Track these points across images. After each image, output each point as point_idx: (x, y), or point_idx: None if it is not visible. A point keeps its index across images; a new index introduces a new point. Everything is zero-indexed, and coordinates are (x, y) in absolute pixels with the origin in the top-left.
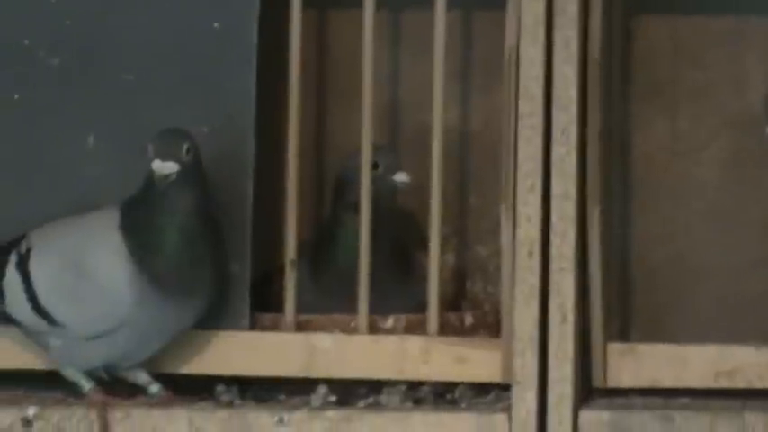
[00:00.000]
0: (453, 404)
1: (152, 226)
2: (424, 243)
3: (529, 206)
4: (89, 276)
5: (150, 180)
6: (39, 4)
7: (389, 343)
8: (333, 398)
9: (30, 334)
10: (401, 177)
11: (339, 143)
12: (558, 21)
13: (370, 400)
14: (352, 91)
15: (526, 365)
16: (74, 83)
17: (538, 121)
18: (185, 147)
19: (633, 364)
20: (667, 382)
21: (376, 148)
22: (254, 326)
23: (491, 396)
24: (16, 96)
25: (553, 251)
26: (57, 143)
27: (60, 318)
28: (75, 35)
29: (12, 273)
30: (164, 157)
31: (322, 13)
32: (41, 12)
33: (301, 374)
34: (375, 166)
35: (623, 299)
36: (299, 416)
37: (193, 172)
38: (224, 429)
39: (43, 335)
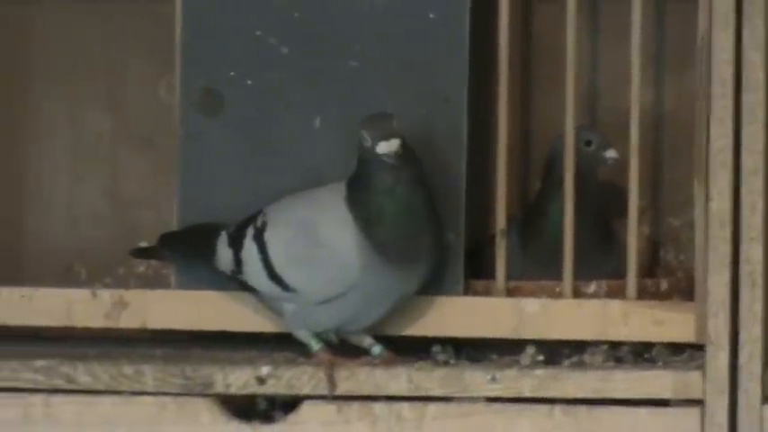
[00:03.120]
0: (651, 362)
1: (374, 200)
2: (623, 214)
3: (720, 180)
4: (319, 245)
5: (366, 160)
6: None
7: (592, 307)
8: (540, 357)
9: (265, 300)
10: (611, 153)
11: (542, 123)
12: (748, 9)
13: (575, 359)
14: (555, 75)
15: (719, 327)
16: (302, 69)
17: (728, 102)
18: (395, 124)
19: None
20: None
21: (589, 128)
22: (467, 291)
23: (685, 355)
24: (249, 82)
25: (743, 222)
26: (286, 125)
27: (293, 284)
28: (303, 25)
29: (249, 244)
30: (386, 138)
31: (527, 1)
32: (273, 4)
33: (511, 336)
34: (589, 143)
35: None
36: (509, 374)
37: (406, 150)
38: (441, 386)
39: (278, 300)
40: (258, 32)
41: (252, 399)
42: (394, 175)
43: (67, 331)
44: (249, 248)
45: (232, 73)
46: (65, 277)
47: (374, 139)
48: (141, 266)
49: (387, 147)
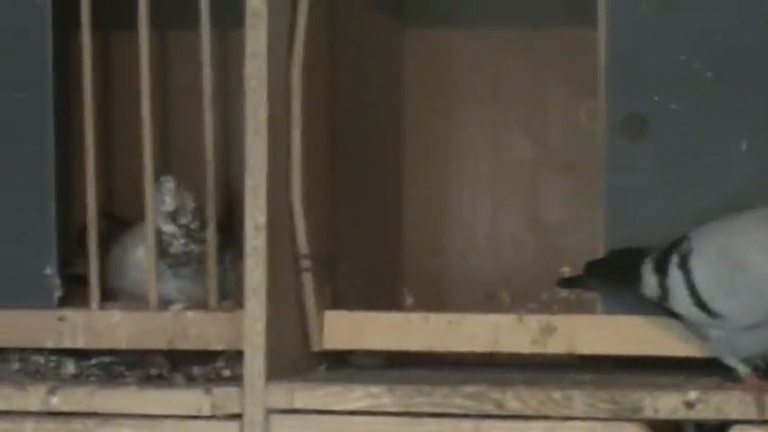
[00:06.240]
0: None
1: None
2: None
3: None
4: (745, 271)
5: None
6: (696, 24)
7: None
8: None
9: (691, 326)
10: None
11: None
12: None
13: None
14: None
15: None
16: (727, 93)
17: None
18: None
19: None
20: None
21: None
22: None
23: None
24: (674, 107)
25: None
26: (711, 150)
27: (719, 310)
28: (726, 49)
29: (674, 271)
30: None
31: None
32: (697, 29)
33: None
34: None
35: None
36: None
37: None
38: None
39: (704, 326)
40: (683, 57)
41: (677, 424)
42: None
43: (490, 357)
44: (674, 275)
45: (656, 98)
46: (488, 303)
47: None
48: (565, 291)
49: None
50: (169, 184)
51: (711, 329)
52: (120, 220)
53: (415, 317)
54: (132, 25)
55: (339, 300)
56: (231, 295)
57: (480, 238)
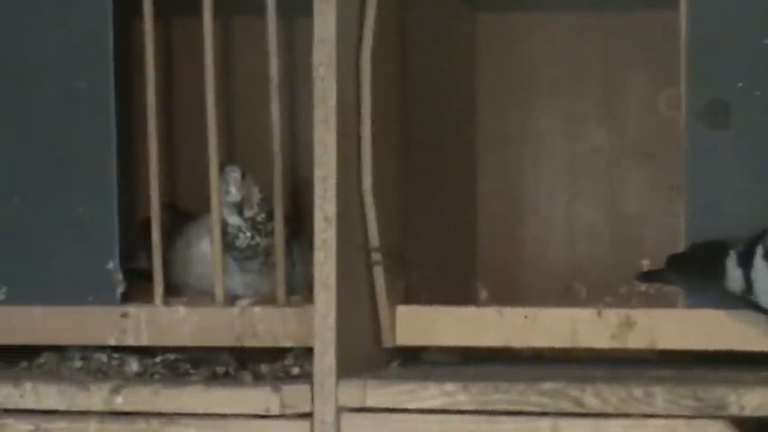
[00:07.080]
0: None
1: None
2: None
3: None
4: None
5: None
6: None
7: None
8: None
9: None
10: None
11: None
12: None
13: None
14: None
15: None
16: None
17: None
18: None
19: None
20: None
21: None
22: None
23: None
24: (758, 93)
25: None
26: None
27: None
28: None
29: (759, 264)
30: None
31: None
32: None
33: None
34: None
35: None
36: None
37: None
38: None
39: None
40: (766, 41)
41: (762, 422)
42: None
43: (567, 353)
44: (759, 268)
45: (740, 84)
46: (564, 296)
47: None
48: (644, 285)
49: None
50: (235, 174)
51: None
52: (183, 213)
53: (490, 311)
54: (195, 11)
55: (411, 293)
56: (299, 289)
57: (556, 230)
